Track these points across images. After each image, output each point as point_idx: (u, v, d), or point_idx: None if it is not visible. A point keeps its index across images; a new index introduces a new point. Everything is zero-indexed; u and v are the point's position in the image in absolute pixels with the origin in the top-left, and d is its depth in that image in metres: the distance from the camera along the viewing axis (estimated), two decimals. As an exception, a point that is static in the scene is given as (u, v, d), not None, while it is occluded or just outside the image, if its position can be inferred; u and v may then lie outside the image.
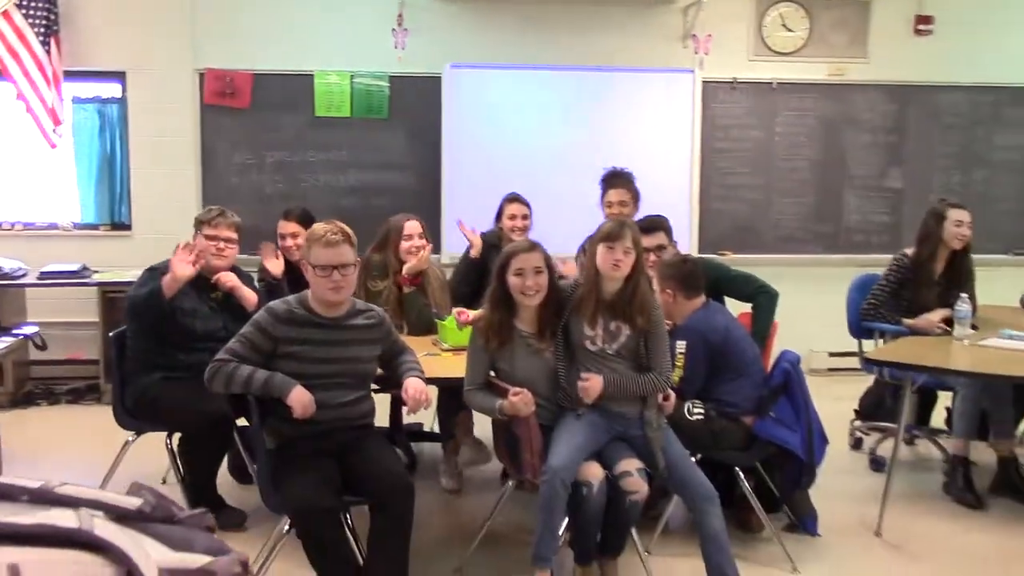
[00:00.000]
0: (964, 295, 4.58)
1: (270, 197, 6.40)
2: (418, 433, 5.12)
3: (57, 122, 6.24)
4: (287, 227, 4.75)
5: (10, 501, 1.53)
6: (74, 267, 6.11)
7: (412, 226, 4.58)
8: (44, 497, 1.52)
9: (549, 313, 3.53)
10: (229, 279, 4.12)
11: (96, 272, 6.15)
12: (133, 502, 1.56)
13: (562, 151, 6.59)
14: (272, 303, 3.39)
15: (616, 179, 5.08)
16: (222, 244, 4.12)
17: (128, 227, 6.59)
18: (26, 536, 1.45)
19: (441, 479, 4.69)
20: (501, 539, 4.01)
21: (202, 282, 4.08)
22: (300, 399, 3.18)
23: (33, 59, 6.11)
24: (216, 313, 4.10)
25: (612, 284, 3.51)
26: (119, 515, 1.52)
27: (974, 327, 4.59)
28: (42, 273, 6.07)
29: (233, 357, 3.25)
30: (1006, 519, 4.43)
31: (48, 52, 6.16)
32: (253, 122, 6.46)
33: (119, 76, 6.46)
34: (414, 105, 6.56)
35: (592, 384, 3.41)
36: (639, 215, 4.88)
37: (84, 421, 5.78)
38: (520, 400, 3.36)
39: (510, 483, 3.85)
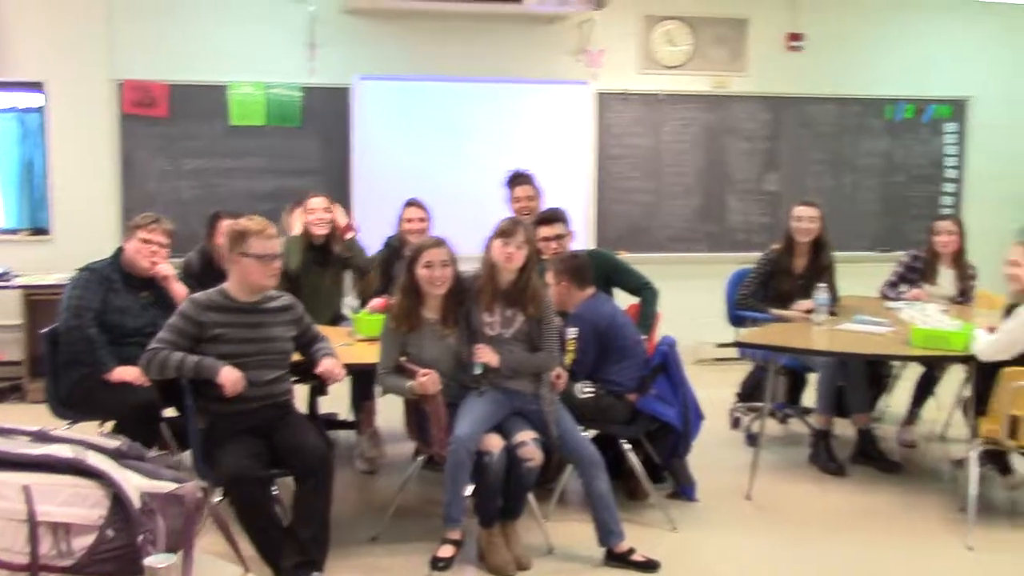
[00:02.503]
0: (823, 285, 5.16)
1: (188, 202, 6.67)
2: (333, 421, 5.48)
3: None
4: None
5: (15, 439, 1.91)
6: (-4, 271, 6.29)
7: (315, 201, 5.21)
8: (44, 437, 1.91)
9: (452, 302, 3.97)
10: (166, 270, 4.44)
11: (17, 276, 6.33)
12: (113, 443, 1.96)
13: (467, 158, 7.02)
14: (194, 294, 3.77)
15: (520, 178, 5.61)
16: (155, 248, 4.42)
17: (47, 232, 6.76)
18: (34, 463, 1.85)
19: (356, 462, 5.08)
20: (413, 512, 4.42)
21: (134, 281, 4.38)
22: (230, 377, 3.54)
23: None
24: (146, 310, 4.39)
25: (507, 275, 3.96)
26: (103, 452, 1.92)
27: (833, 314, 5.17)
28: (-37, 278, 6.23)
29: (164, 345, 3.59)
30: (862, 483, 5.00)
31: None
32: (171, 131, 6.72)
33: (38, 86, 6.64)
34: (325, 114, 6.90)
35: (483, 350, 3.84)
36: (541, 209, 5.41)
37: (9, 419, 5.94)
38: (428, 380, 3.78)
39: (419, 459, 4.29)
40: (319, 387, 4.22)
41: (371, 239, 5.48)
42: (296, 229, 5.16)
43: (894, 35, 7.71)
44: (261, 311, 3.75)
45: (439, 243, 3.96)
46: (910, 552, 4.20)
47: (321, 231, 5.16)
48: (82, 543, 1.81)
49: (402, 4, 6.61)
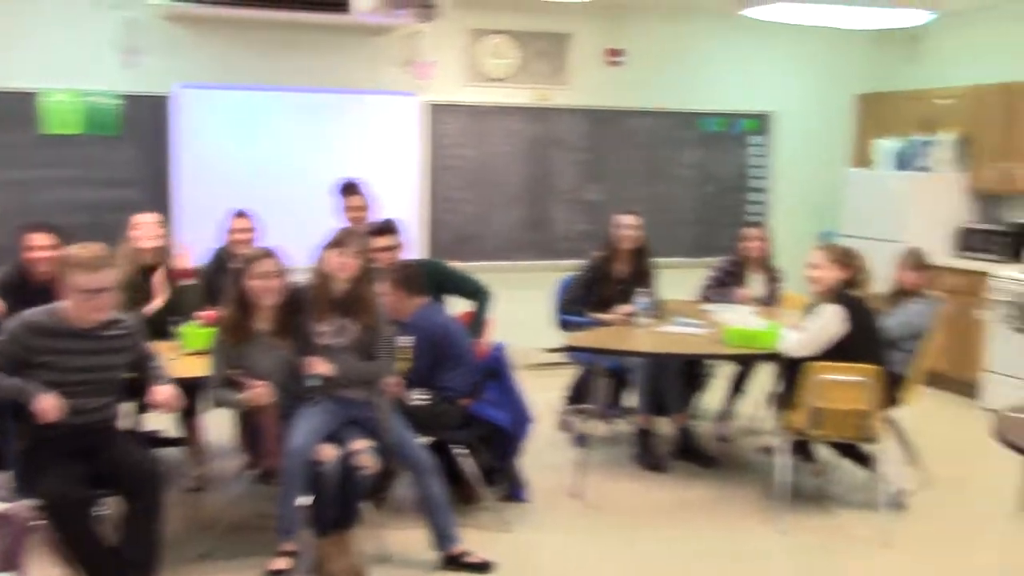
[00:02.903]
0: (644, 290, 5.41)
1: (-1, 216, 6.31)
2: (159, 439, 5.31)
3: None
4: (33, 240, 4.77)
5: None
6: None
7: (139, 218, 4.94)
8: None
9: (285, 313, 3.95)
10: None
11: None
12: None
13: (296, 167, 6.94)
14: (27, 313, 3.56)
15: (351, 187, 5.67)
16: None
17: None
18: None
19: (183, 479, 4.95)
20: (245, 527, 4.36)
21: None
22: (46, 406, 3.38)
23: None
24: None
25: (340, 285, 3.99)
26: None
27: (655, 317, 5.42)
28: None
29: None
30: (683, 478, 5.27)
31: None
32: (-24, 140, 6.36)
33: None
34: (146, 123, 6.67)
35: (316, 361, 3.84)
36: (371, 219, 5.47)
37: None
38: (261, 392, 3.75)
39: (249, 473, 4.22)
40: (144, 405, 4.10)
41: (196, 251, 5.35)
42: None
43: (706, 53, 8.12)
44: (96, 338, 3.59)
45: (269, 254, 3.94)
46: (728, 539, 4.47)
47: (148, 252, 4.88)
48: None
49: (224, 12, 6.47)
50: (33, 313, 3.56)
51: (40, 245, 4.66)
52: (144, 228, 4.91)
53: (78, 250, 3.55)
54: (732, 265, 6.07)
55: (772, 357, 4.83)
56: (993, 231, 7.28)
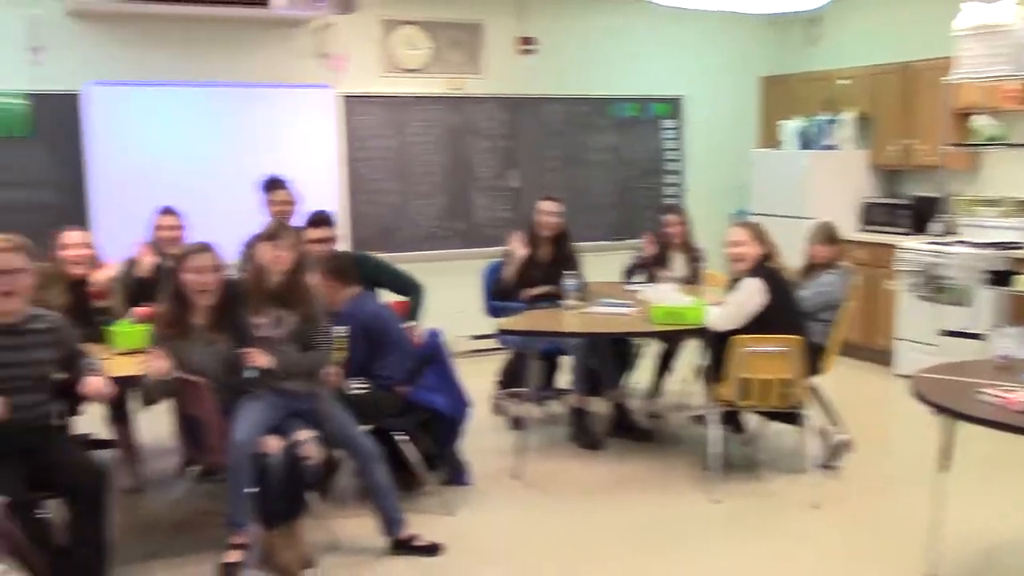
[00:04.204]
0: (571, 272, 5.52)
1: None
2: (91, 441, 5.21)
3: None
4: None
5: None
6: None
7: (69, 236, 4.72)
8: None
9: (220, 307, 3.92)
10: None
11: None
12: None
13: (215, 162, 6.86)
14: None
15: (277, 183, 5.67)
16: None
17: None
18: None
19: (119, 480, 4.87)
20: (187, 524, 4.33)
21: None
22: None
23: None
24: None
25: (275, 277, 3.99)
26: None
27: (582, 299, 5.53)
28: None
29: None
30: (619, 454, 5.40)
31: None
32: None
33: None
34: (56, 123, 6.49)
35: (255, 353, 3.84)
36: (298, 213, 5.46)
37: None
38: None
39: (192, 470, 4.19)
40: (72, 407, 4.01)
41: (114, 250, 5.22)
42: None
43: (617, 39, 8.27)
44: (21, 333, 3.52)
45: (204, 249, 3.91)
46: (665, 510, 4.61)
47: (79, 271, 4.67)
48: None
49: (133, 8, 6.35)
50: None
51: None
52: (73, 248, 4.69)
53: None
54: (655, 246, 6.20)
55: (698, 332, 4.98)
56: (896, 204, 7.61)
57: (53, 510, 3.55)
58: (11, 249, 3.48)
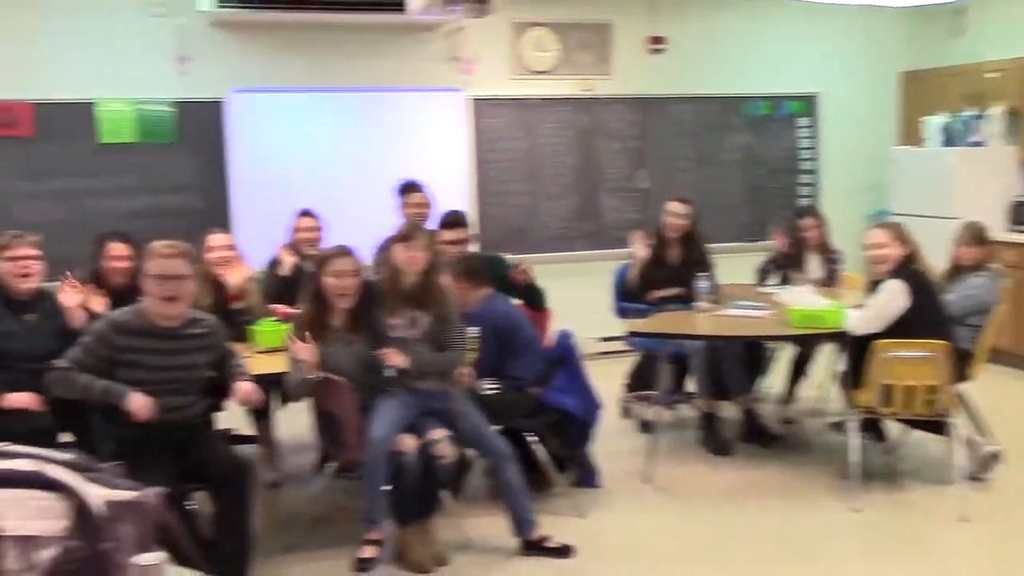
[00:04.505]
0: (704, 274, 5.43)
1: (56, 225, 6.39)
2: (233, 436, 5.41)
3: None
4: (113, 249, 4.85)
5: (-28, 457, 1.89)
6: None
7: (213, 239, 4.92)
8: (1, 453, 1.90)
9: (359, 309, 4.01)
10: (68, 300, 4.26)
11: None
12: (65, 456, 1.97)
13: (350, 165, 7.03)
14: (113, 313, 3.67)
15: (412, 187, 5.76)
16: (26, 263, 4.19)
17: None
18: (-1, 479, 1.82)
19: (262, 475, 5.04)
20: (325, 519, 4.44)
21: (14, 304, 4.21)
22: (138, 404, 3.47)
23: None
24: (33, 333, 4.22)
25: (410, 278, 4.05)
26: (60, 464, 1.93)
27: (715, 302, 5.43)
28: None
29: (73, 364, 3.51)
30: (750, 460, 5.28)
31: None
32: (37, 151, 6.45)
33: None
34: (200, 129, 6.76)
35: (390, 353, 3.90)
36: (432, 216, 5.53)
37: None
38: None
39: (328, 467, 4.30)
40: (216, 404, 4.16)
41: (255, 252, 5.40)
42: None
43: (748, 36, 8.11)
44: (180, 337, 3.65)
45: (345, 253, 3.99)
46: (801, 518, 4.48)
47: (222, 272, 4.84)
48: (47, 555, 1.81)
49: (273, 16, 6.56)
50: (119, 313, 3.64)
51: (118, 255, 4.74)
52: (217, 250, 4.89)
53: (156, 242, 3.64)
54: (790, 248, 6.05)
55: (835, 337, 4.83)
56: (1049, 203, 7.22)
57: (200, 503, 3.70)
58: (176, 255, 3.60)
